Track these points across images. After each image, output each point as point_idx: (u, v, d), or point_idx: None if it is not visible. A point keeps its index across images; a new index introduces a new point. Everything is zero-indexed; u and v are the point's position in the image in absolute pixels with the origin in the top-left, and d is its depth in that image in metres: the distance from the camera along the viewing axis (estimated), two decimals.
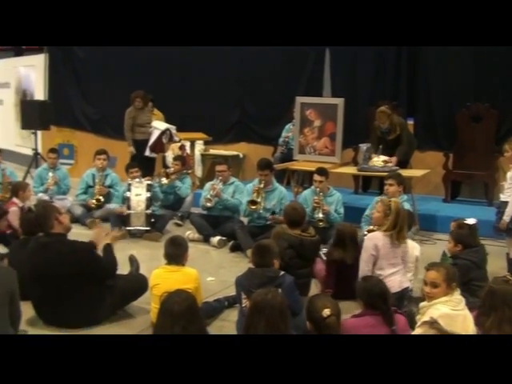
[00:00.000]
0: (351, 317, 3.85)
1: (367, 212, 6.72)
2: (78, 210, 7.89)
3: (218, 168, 7.38)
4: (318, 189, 6.86)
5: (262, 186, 6.81)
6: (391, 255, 4.80)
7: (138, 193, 7.31)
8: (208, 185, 7.38)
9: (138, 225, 7.22)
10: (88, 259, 4.47)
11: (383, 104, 8.42)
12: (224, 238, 6.96)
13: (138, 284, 4.73)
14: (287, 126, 9.27)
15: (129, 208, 7.25)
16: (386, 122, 8.08)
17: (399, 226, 4.79)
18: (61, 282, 4.35)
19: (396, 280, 4.73)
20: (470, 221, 5.27)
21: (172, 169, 8.26)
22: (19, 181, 8.11)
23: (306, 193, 7.12)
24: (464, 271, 4.55)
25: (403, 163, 7.95)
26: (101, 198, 8.03)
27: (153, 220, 7.29)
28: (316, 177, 6.94)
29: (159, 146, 9.33)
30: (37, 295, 4.49)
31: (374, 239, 4.85)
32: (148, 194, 7.31)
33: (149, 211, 7.25)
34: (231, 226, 6.90)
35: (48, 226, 4.51)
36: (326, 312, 3.35)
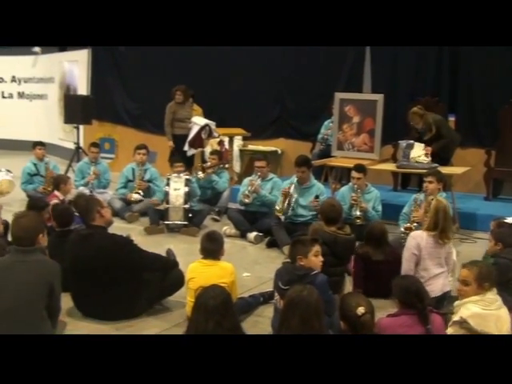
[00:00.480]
0: (387, 316, 3.82)
1: (405, 210, 6.64)
2: (118, 204, 7.99)
3: (257, 164, 7.37)
4: (355, 186, 6.79)
5: (290, 188, 6.71)
6: (435, 255, 4.68)
7: (177, 187, 7.36)
8: (246, 180, 7.38)
9: (176, 219, 7.28)
10: (127, 253, 4.53)
11: (423, 101, 8.33)
12: (261, 234, 6.96)
13: (174, 279, 4.76)
14: (326, 123, 9.22)
15: (167, 202, 7.31)
16: (419, 123, 8.02)
17: (441, 225, 4.64)
18: (99, 275, 4.41)
19: (439, 283, 4.63)
20: (511, 219, 5.19)
21: (209, 163, 8.32)
22: (60, 174, 8.27)
23: (344, 190, 7.06)
24: (504, 270, 4.45)
25: (444, 160, 7.82)
26: (140, 192, 8.13)
27: (190, 215, 7.33)
28: (354, 173, 6.86)
29: (198, 142, 9.40)
30: (75, 287, 4.56)
31: (417, 238, 4.73)
32: (186, 189, 7.34)
33: (187, 206, 7.29)
34: (268, 222, 6.88)
35: (89, 219, 4.59)
36: (361, 310, 3.32)
